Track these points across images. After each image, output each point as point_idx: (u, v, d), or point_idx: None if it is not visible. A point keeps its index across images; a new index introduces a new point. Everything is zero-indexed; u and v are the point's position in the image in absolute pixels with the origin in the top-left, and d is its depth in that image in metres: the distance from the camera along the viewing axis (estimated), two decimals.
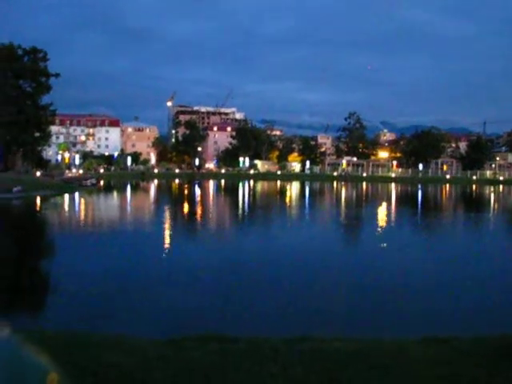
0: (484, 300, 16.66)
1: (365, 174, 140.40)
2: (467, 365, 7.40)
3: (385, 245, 29.51)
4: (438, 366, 7.34)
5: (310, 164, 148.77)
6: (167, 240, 30.97)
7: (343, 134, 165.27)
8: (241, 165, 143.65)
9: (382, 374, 6.88)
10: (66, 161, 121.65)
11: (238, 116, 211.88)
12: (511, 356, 7.79)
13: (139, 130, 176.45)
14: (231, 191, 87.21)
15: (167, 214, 46.86)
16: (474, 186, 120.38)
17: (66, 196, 65.92)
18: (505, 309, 15.49)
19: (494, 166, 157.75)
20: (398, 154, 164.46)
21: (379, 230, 37.55)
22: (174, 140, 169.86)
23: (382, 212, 52.80)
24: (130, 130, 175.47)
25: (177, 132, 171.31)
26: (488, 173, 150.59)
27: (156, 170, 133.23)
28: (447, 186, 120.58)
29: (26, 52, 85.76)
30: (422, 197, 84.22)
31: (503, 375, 6.90)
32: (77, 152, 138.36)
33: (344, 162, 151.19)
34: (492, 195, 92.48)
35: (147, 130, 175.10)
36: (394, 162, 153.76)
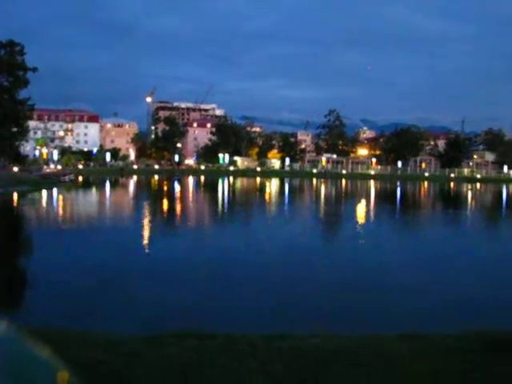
0: (456, 296, 16.76)
1: (344, 171, 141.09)
2: (448, 360, 7.44)
3: (363, 241, 29.65)
4: (418, 361, 7.36)
5: (290, 161, 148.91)
6: (144, 237, 30.81)
7: (323, 131, 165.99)
8: (220, 161, 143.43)
9: (362, 370, 6.88)
10: (44, 156, 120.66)
11: (218, 112, 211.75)
12: (492, 351, 7.85)
13: (118, 125, 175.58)
14: (210, 188, 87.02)
15: (146, 211, 46.60)
16: (451, 184, 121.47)
17: (44, 192, 65.25)
18: (481, 305, 15.60)
19: (471, 164, 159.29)
20: (378, 152, 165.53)
21: (357, 226, 37.69)
22: (153, 136, 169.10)
23: (359, 209, 53.04)
24: (109, 125, 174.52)
25: (156, 128, 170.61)
26: (466, 171, 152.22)
27: (135, 166, 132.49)
28: (425, 183, 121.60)
29: (2, 45, 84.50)
30: (399, 194, 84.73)
31: (483, 370, 6.95)
32: (55, 147, 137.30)
33: (323, 159, 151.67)
34: (469, 193, 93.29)
35: (127, 126, 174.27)
36: (374, 160, 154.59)
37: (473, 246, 29.19)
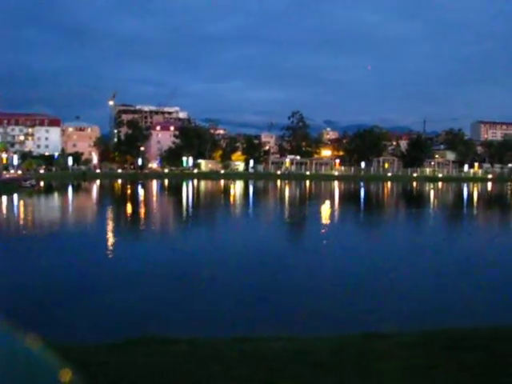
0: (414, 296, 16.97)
1: (308, 173, 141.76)
2: (411, 358, 7.50)
3: (325, 242, 29.84)
4: (381, 360, 7.39)
5: (254, 163, 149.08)
6: (107, 242, 30.47)
7: (286, 132, 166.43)
8: (184, 164, 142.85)
9: (326, 370, 6.88)
10: (4, 161, 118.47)
11: (182, 115, 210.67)
12: (453, 349, 7.94)
13: (80, 129, 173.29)
14: (174, 191, 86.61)
15: (109, 216, 46.13)
16: (414, 184, 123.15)
17: (4, 198, 64.07)
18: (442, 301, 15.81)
19: (433, 163, 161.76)
20: (341, 153, 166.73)
21: (319, 227, 37.87)
22: (116, 140, 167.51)
23: (322, 209, 53.33)
24: (70, 129, 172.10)
25: (119, 132, 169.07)
26: (427, 170, 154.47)
27: (98, 171, 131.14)
28: (388, 183, 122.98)
29: None
30: (362, 194, 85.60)
31: (446, 367, 7.02)
32: (15, 152, 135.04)
33: (287, 160, 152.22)
34: (431, 192, 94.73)
35: (89, 130, 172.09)
36: (337, 161, 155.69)
37: (434, 245, 29.57)
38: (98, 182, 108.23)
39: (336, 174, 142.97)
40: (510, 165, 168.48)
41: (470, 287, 18.05)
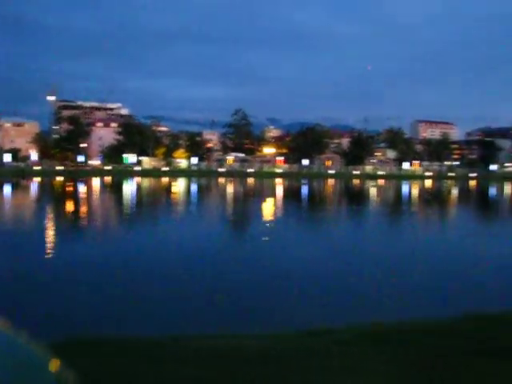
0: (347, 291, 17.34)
1: (251, 170, 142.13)
2: (345, 354, 7.73)
3: (266, 238, 30.10)
4: (316, 356, 7.57)
5: (199, 160, 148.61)
6: (45, 240, 29.95)
7: (229, 130, 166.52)
8: (126, 161, 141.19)
9: (271, 368, 7.00)
10: None
11: (124, 111, 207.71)
12: (385, 343, 8.23)
13: (18, 125, 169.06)
14: (116, 189, 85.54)
15: (47, 214, 45.30)
16: (355, 181, 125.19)
17: None
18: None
19: (374, 161, 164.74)
20: (284, 150, 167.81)
21: (261, 223, 38.15)
22: (56, 136, 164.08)
23: (263, 207, 53.71)
24: (8, 125, 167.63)
25: (59, 128, 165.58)
26: (369, 168, 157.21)
27: (38, 168, 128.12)
28: (330, 180, 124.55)
29: None
30: (304, 191, 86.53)
31: (378, 360, 7.27)
32: None
33: (230, 157, 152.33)
34: (371, 189, 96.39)
35: (27, 126, 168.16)
36: (281, 158, 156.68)
37: (372, 241, 30.17)
38: (37, 179, 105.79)
39: (279, 171, 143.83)
40: (446, 162, 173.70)
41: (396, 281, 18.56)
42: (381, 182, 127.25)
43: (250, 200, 65.24)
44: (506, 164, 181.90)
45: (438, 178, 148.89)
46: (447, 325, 9.81)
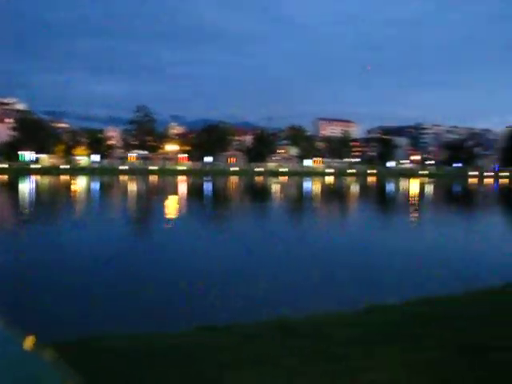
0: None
1: (154, 167, 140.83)
2: (251, 348, 7.70)
3: (163, 236, 29.79)
4: (220, 352, 7.51)
5: (101, 157, 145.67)
6: None
7: (132, 126, 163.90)
8: (24, 159, 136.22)
9: (168, 363, 6.91)
10: None
11: (21, 107, 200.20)
12: (292, 336, 8.30)
13: None
14: (9, 188, 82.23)
15: None
16: (258, 178, 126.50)
17: None
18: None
19: (277, 158, 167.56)
20: (188, 147, 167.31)
21: (160, 221, 37.77)
22: None
23: (164, 204, 53.18)
24: None
25: None
26: (272, 165, 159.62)
27: None
28: (234, 178, 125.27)
29: None
30: (207, 189, 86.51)
31: (288, 352, 7.29)
32: None
33: (132, 155, 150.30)
34: (273, 186, 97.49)
35: None
36: (184, 155, 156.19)
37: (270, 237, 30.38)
38: None
39: (182, 168, 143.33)
40: (347, 159, 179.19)
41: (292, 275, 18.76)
42: (284, 178, 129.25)
43: (148, 198, 64.42)
44: (402, 161, 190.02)
45: (339, 174, 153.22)
46: (350, 317, 10.24)
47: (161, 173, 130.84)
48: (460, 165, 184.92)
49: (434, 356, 7.07)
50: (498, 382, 6.25)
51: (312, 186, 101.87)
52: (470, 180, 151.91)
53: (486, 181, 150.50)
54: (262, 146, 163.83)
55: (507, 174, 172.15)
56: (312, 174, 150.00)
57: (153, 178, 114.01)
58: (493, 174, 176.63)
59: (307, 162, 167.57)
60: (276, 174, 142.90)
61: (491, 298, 12.08)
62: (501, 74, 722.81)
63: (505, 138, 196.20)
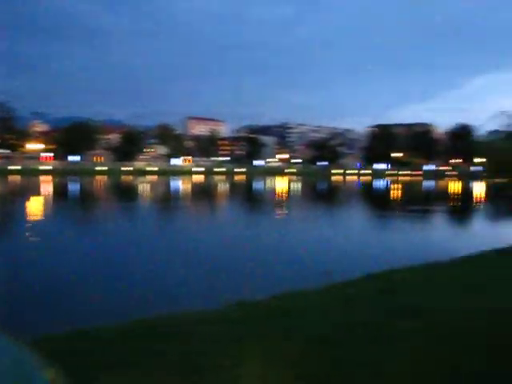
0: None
1: (15, 167, 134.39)
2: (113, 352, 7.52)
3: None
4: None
5: None
6: None
7: None
8: None
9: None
10: None
11: None
12: (153, 337, 8.19)
13: None
14: None
15: None
16: (126, 177, 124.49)
17: None
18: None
19: (146, 157, 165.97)
20: (53, 146, 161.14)
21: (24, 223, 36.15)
22: None
23: (24, 206, 51.02)
24: None
25: None
26: (140, 164, 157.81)
27: None
28: (101, 177, 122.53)
29: None
30: (72, 189, 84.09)
31: (146, 356, 7.13)
32: None
33: None
34: (140, 185, 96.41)
35: None
36: (49, 154, 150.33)
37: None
38: None
39: (46, 168, 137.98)
40: (215, 158, 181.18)
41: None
42: (153, 178, 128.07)
43: (14, 199, 61.43)
44: (270, 159, 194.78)
45: (208, 173, 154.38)
46: (219, 313, 10.27)
47: (23, 173, 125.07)
48: (325, 163, 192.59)
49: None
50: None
51: (181, 184, 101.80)
52: (335, 178, 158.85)
53: (350, 178, 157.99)
54: (130, 144, 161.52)
55: (369, 171, 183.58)
56: (181, 172, 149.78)
57: (13, 178, 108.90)
58: (356, 171, 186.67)
59: (176, 161, 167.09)
60: (144, 173, 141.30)
61: (347, 290, 12.66)
62: (361, 76, 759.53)
63: (367, 138, 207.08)
